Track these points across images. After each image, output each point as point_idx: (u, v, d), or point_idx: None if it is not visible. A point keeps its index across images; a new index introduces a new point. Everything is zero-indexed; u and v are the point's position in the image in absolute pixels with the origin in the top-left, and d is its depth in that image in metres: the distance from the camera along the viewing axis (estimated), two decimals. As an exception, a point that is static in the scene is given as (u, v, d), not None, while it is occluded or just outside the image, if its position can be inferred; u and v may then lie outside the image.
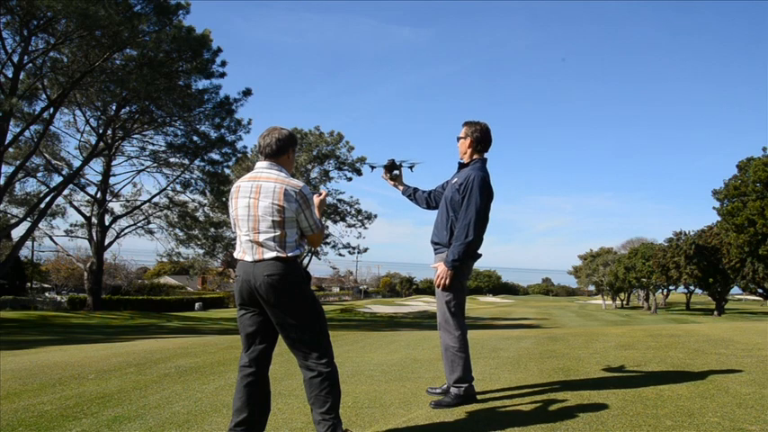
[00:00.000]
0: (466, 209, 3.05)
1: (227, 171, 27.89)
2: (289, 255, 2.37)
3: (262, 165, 2.48)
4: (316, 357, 2.39)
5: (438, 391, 3.35)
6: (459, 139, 3.31)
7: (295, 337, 2.38)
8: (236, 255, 2.46)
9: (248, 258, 2.40)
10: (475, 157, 3.24)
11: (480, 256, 3.19)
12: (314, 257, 36.58)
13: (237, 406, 2.40)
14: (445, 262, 3.06)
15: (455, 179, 3.23)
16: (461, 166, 3.28)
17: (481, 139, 3.24)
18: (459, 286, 3.11)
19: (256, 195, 2.39)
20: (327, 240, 36.27)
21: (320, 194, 2.70)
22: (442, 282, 3.06)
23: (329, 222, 36.34)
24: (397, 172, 3.62)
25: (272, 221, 2.36)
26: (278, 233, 2.36)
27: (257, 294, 2.37)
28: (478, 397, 3.21)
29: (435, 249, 3.25)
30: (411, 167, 3.69)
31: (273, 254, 2.36)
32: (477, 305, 61.86)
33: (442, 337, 3.14)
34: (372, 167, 3.76)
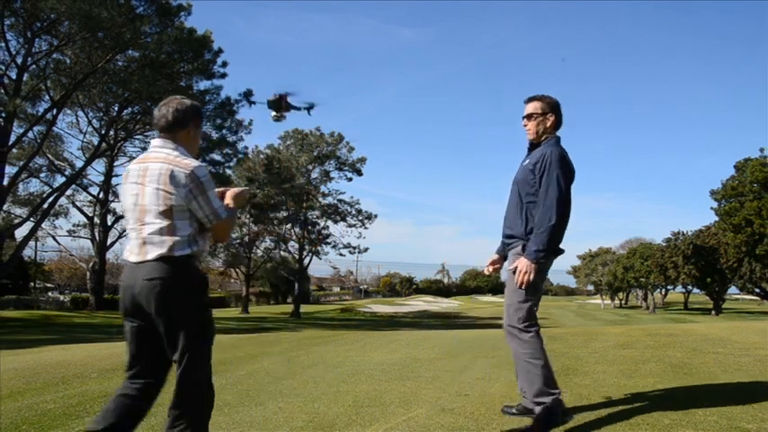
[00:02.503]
0: (546, 189, 2.57)
1: (228, 172, 27.96)
2: (176, 254, 1.95)
3: (155, 143, 2.08)
4: (191, 379, 2.04)
5: (514, 411, 2.81)
6: (532, 116, 2.80)
7: (177, 358, 2.03)
8: (124, 255, 2.09)
9: (132, 259, 2.00)
10: (548, 135, 2.78)
11: (563, 251, 2.70)
12: (314, 257, 36.63)
13: (98, 417, 2.06)
14: (527, 254, 2.57)
15: (527, 160, 2.76)
16: (533, 146, 2.82)
17: (560, 116, 2.82)
18: (539, 285, 2.64)
19: (143, 180, 1.99)
20: (328, 240, 36.28)
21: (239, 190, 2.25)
22: (526, 278, 2.55)
23: (329, 222, 36.40)
24: (286, 114, 3.23)
25: (158, 212, 1.96)
26: (164, 226, 1.95)
27: (140, 303, 1.97)
28: (477, 396, 3.17)
29: (509, 245, 2.77)
30: (309, 110, 3.32)
31: (157, 253, 1.95)
32: (477, 305, 61.82)
33: (511, 343, 2.67)
34: (252, 103, 3.33)
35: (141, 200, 1.99)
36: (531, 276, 2.55)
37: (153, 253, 1.95)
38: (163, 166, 1.97)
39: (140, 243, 1.98)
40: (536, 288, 2.63)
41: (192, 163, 2.00)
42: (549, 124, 2.77)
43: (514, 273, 2.63)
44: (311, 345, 6.31)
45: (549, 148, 2.67)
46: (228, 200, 2.17)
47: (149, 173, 1.99)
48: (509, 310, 2.67)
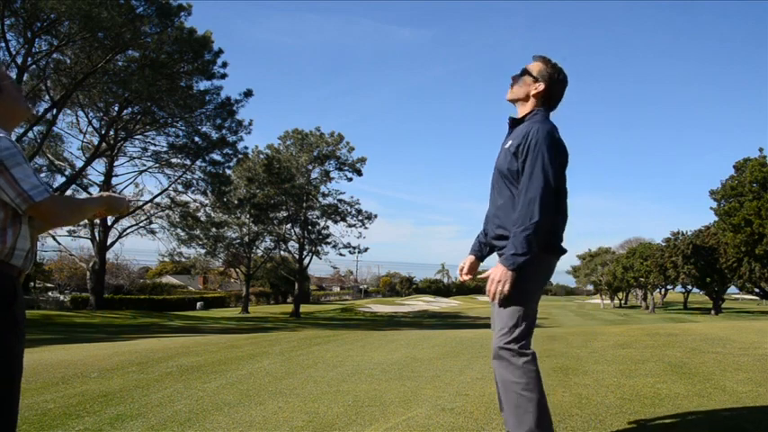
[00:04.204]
0: (529, 177, 2.06)
1: (228, 171, 28.00)
2: None
3: None
4: None
5: None
6: (518, 78, 2.29)
7: None
8: None
9: None
10: (537, 108, 2.24)
11: (562, 250, 2.21)
12: (314, 257, 36.64)
13: None
14: (503, 259, 2.05)
15: (508, 141, 2.22)
16: (514, 122, 2.28)
17: (559, 89, 2.25)
18: (527, 296, 2.10)
19: None
20: (328, 240, 36.29)
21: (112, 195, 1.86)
22: (500, 288, 2.03)
23: (329, 222, 36.41)
24: None
25: None
26: None
27: None
28: (477, 396, 3.16)
29: (500, 248, 2.19)
30: None
31: None
32: (477, 305, 61.82)
33: (497, 369, 2.13)
34: None
35: None
36: (507, 287, 2.03)
37: None
38: None
39: None
40: (529, 299, 2.11)
41: None
42: (533, 92, 2.23)
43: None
44: (311, 344, 6.31)
45: (534, 125, 2.13)
46: (97, 195, 1.81)
47: None
48: (498, 329, 2.13)
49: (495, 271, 2.07)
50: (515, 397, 2.04)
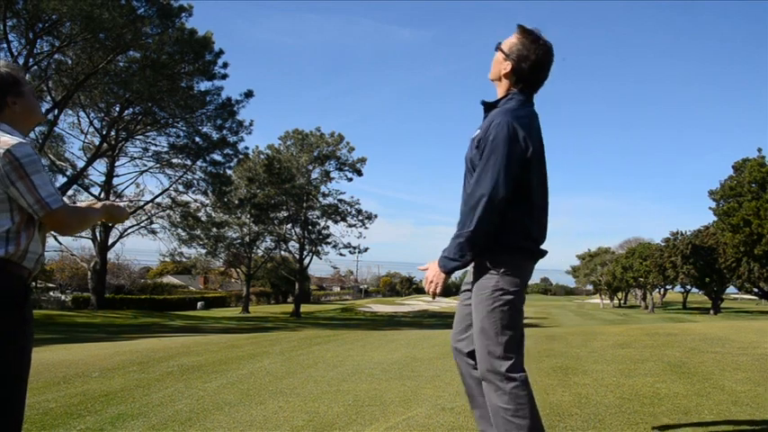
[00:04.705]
0: (477, 179, 1.87)
1: (228, 172, 28.02)
2: None
3: None
4: None
5: None
6: (495, 51, 2.02)
7: None
8: None
9: None
10: (511, 91, 1.97)
11: (540, 253, 2.00)
12: (314, 257, 36.66)
13: None
14: (439, 258, 1.94)
15: (477, 131, 2.00)
16: (488, 107, 2.03)
17: (531, 68, 1.92)
18: (509, 310, 1.90)
19: None
20: (328, 240, 36.31)
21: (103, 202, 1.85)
22: (432, 288, 1.94)
23: (330, 222, 36.43)
24: None
25: None
26: None
27: None
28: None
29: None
30: None
31: None
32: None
33: (487, 395, 1.93)
34: None
35: None
36: (439, 289, 1.93)
37: None
38: None
39: None
40: (513, 314, 1.89)
41: (12, 140, 1.60)
42: (503, 71, 1.96)
43: (487, 292, 1.91)
44: (311, 344, 6.33)
45: (498, 116, 1.89)
46: (99, 205, 1.82)
47: None
48: (481, 349, 1.92)
49: (431, 269, 1.96)
50: (504, 422, 1.88)
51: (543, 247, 2.02)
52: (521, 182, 1.88)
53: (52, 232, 1.78)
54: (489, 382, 1.91)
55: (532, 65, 1.92)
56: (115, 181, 27.69)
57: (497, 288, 1.90)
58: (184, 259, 33.24)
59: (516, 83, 1.96)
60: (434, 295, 1.97)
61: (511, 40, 1.97)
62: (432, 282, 1.94)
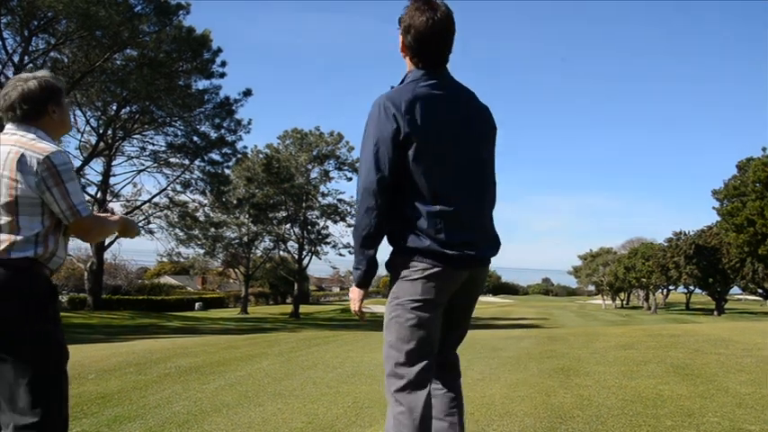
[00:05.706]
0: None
1: (227, 171, 27.97)
2: (13, 256, 1.63)
3: (8, 126, 1.76)
4: (33, 417, 1.59)
5: None
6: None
7: (12, 380, 1.61)
8: None
9: None
10: (410, 70, 1.75)
11: (454, 255, 1.63)
12: (314, 257, 36.64)
13: None
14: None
15: None
16: None
17: (415, 38, 1.68)
18: (404, 320, 1.66)
19: None
20: (328, 240, 36.30)
21: (111, 213, 1.96)
22: (352, 306, 1.78)
23: (329, 222, 36.42)
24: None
25: (2, 203, 1.64)
26: (7, 221, 1.63)
27: None
28: (477, 397, 3.17)
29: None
30: None
31: None
32: (477, 305, 61.82)
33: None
34: None
35: None
36: (356, 306, 1.74)
37: None
38: (12, 148, 1.65)
39: None
40: (411, 325, 1.64)
41: (50, 147, 1.66)
42: (399, 47, 1.75)
43: (388, 301, 1.75)
44: (310, 345, 6.29)
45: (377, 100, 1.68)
46: (116, 217, 1.89)
47: None
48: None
49: (351, 288, 1.74)
50: None
51: (487, 247, 1.71)
52: (407, 168, 1.60)
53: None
54: (388, 403, 1.67)
55: (415, 36, 1.67)
56: (112, 180, 27.63)
57: (394, 296, 1.68)
58: (182, 259, 33.17)
59: (412, 58, 1.72)
60: (360, 315, 1.76)
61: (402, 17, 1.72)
62: (352, 300, 1.73)
